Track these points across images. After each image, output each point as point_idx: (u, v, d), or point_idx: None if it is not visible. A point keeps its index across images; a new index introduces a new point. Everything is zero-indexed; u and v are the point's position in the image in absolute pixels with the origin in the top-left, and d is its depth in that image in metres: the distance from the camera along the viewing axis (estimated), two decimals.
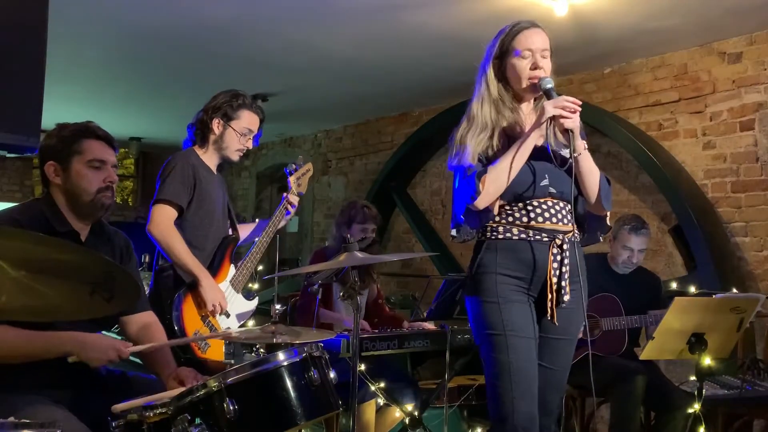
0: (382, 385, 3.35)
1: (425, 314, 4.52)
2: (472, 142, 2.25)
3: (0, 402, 1.94)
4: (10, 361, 2.02)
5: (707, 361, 2.79)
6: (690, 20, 4.14)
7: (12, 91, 2.18)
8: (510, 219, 2.25)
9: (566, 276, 2.22)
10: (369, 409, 3.39)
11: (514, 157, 2.17)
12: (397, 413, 3.47)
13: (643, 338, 3.68)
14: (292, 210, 3.18)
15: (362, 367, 3.16)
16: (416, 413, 3.39)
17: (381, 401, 3.42)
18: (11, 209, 2.23)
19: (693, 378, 3.14)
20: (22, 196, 9.11)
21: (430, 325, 3.60)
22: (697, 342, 2.75)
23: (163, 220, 2.78)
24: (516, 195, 2.23)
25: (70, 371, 2.08)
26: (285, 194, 3.18)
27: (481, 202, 2.18)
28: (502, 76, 2.29)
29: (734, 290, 3.81)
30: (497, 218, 2.26)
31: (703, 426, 2.85)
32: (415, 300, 5.69)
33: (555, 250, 2.22)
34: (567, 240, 2.23)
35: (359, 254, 2.41)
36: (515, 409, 2.17)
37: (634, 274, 3.66)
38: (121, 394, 2.04)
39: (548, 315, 2.22)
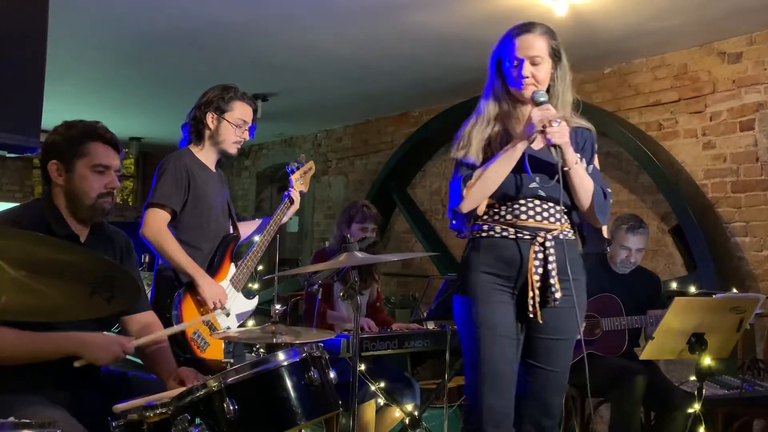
0: (382, 385, 3.35)
1: (425, 314, 4.52)
2: (478, 137, 2.29)
3: (0, 402, 1.94)
4: (12, 362, 2.02)
5: (707, 361, 2.78)
6: (690, 20, 4.14)
7: (12, 91, 2.18)
8: (496, 217, 2.28)
9: (554, 273, 2.20)
10: (369, 409, 3.39)
11: (497, 166, 2.21)
12: (397, 413, 3.47)
13: (643, 338, 3.68)
14: (294, 207, 3.19)
15: (362, 367, 3.16)
16: (416, 413, 3.39)
17: (381, 401, 3.42)
18: (11, 210, 2.22)
19: (693, 378, 3.14)
20: (23, 196, 9.11)
21: (414, 325, 3.61)
22: (697, 342, 2.75)
23: (155, 223, 2.78)
24: (504, 194, 2.25)
25: (70, 372, 2.08)
26: (286, 192, 3.18)
27: (464, 207, 2.25)
28: (504, 78, 2.32)
29: (734, 290, 3.81)
30: (484, 216, 2.30)
31: (703, 426, 2.85)
32: (415, 300, 5.70)
33: (537, 248, 2.22)
34: (551, 237, 2.23)
35: (359, 254, 2.41)
36: (485, 404, 2.21)
37: (633, 274, 3.66)
38: (121, 394, 2.04)
39: (530, 313, 2.21)
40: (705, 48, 4.54)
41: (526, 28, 2.27)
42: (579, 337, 2.26)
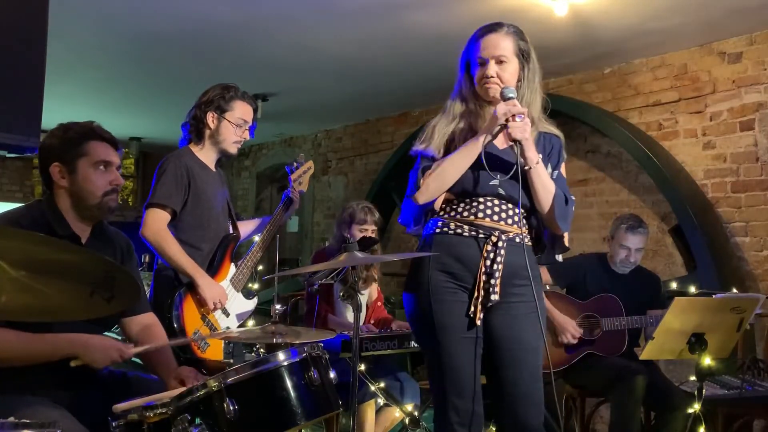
0: (382, 385, 3.35)
1: None
2: (442, 131, 2.28)
3: (0, 402, 1.94)
4: (12, 364, 2.02)
5: (707, 361, 2.78)
6: (690, 20, 4.14)
7: (12, 91, 2.18)
8: (452, 213, 2.25)
9: (497, 275, 2.16)
10: (369, 409, 3.39)
11: (457, 158, 2.18)
12: (397, 413, 3.47)
13: (643, 338, 3.68)
14: (293, 207, 3.19)
15: (362, 367, 3.16)
16: (416, 413, 3.39)
17: (381, 401, 3.42)
18: (13, 210, 2.21)
19: (693, 378, 3.14)
20: (23, 196, 9.11)
21: None
22: (697, 342, 2.75)
23: (155, 223, 2.78)
24: (463, 190, 2.22)
25: (70, 372, 2.08)
26: (286, 191, 3.18)
27: (420, 197, 2.21)
28: (472, 80, 2.30)
29: (734, 290, 3.81)
30: (440, 212, 2.27)
31: (703, 426, 2.85)
32: None
33: (489, 248, 2.18)
34: (505, 239, 2.19)
35: (359, 254, 2.41)
36: (451, 405, 2.18)
37: (633, 274, 3.66)
38: (121, 394, 2.04)
39: (471, 313, 2.17)
40: (705, 48, 4.54)
41: (493, 28, 2.27)
42: (544, 344, 2.20)
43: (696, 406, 2.81)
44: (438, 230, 2.25)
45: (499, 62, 2.22)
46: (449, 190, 2.23)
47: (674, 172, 4.50)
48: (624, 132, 4.67)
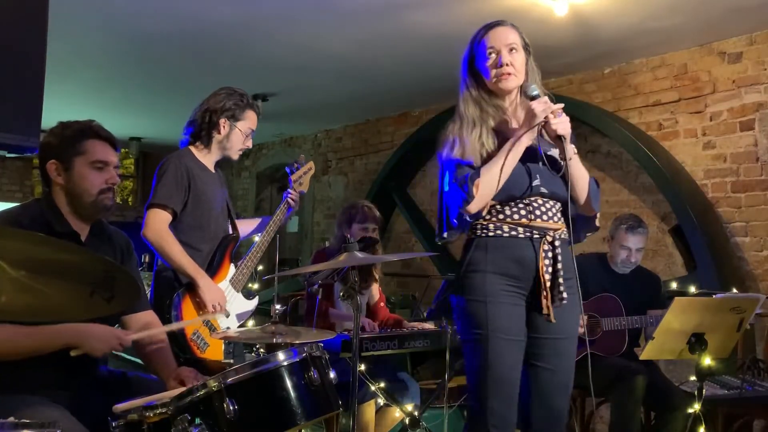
0: (382, 385, 3.35)
1: (425, 314, 4.52)
2: (470, 138, 2.25)
3: (0, 402, 1.94)
4: (12, 357, 2.02)
5: (707, 361, 2.78)
6: (690, 20, 4.14)
7: (12, 91, 2.18)
8: (501, 216, 2.24)
9: (561, 273, 2.20)
10: (369, 409, 3.39)
11: (505, 161, 2.16)
12: (397, 413, 3.47)
13: (643, 338, 3.68)
14: (293, 208, 3.19)
15: (362, 367, 3.16)
16: (416, 413, 3.39)
17: (381, 401, 3.42)
18: (11, 210, 2.22)
19: (693, 378, 3.14)
20: (23, 196, 9.11)
21: (428, 325, 3.60)
22: (697, 342, 2.75)
23: (156, 224, 2.77)
24: (509, 195, 2.22)
25: (70, 372, 2.08)
26: (286, 191, 3.18)
27: (473, 207, 2.18)
28: (479, 77, 2.31)
29: (734, 290, 3.81)
30: (487, 216, 2.25)
31: (703, 426, 2.85)
32: (415, 300, 5.70)
33: (546, 247, 2.21)
34: (558, 237, 2.23)
35: (359, 254, 2.41)
36: (489, 409, 2.18)
37: (633, 274, 3.66)
38: (121, 394, 2.04)
39: (544, 313, 2.19)
40: (705, 48, 4.55)
41: (497, 22, 2.31)
42: (584, 337, 2.23)
43: (696, 406, 2.81)
44: (491, 233, 2.23)
45: (510, 50, 2.24)
46: (493, 197, 2.22)
47: (674, 172, 4.50)
48: (624, 132, 4.67)
